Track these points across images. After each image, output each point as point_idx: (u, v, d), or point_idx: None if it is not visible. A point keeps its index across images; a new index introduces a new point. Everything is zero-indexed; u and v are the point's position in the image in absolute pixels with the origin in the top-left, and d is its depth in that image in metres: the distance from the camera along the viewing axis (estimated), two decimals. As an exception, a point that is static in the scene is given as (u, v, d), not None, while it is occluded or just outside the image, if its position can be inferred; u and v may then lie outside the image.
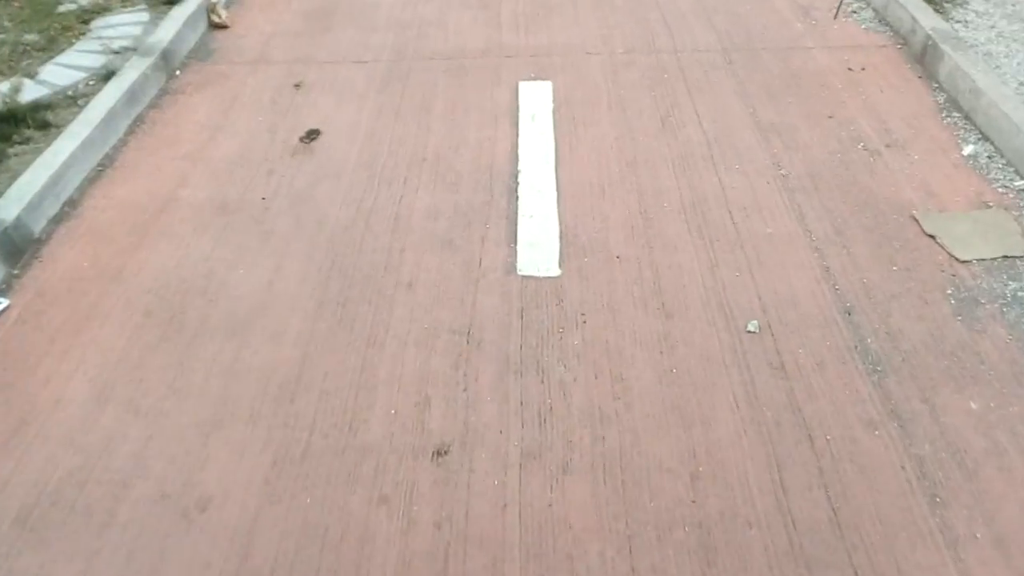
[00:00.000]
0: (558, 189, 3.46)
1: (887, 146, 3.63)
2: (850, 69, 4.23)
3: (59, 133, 3.74)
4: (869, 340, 2.69)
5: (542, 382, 2.59)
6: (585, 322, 2.80)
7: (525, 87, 4.23)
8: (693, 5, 5.02)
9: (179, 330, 2.86)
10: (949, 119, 3.81)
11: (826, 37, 4.57)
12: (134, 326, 2.88)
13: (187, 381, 2.66)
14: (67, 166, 3.56)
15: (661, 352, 2.68)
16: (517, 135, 3.84)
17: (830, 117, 3.86)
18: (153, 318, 2.91)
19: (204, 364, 2.72)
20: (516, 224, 3.27)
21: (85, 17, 4.80)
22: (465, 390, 2.58)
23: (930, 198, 3.31)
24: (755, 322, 2.75)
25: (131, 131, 4.00)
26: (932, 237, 3.10)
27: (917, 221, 3.18)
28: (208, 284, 3.05)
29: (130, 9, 4.92)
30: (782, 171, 3.51)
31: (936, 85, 4.06)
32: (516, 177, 3.54)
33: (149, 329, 2.87)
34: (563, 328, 2.78)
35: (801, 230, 3.18)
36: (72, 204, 3.51)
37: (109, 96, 3.98)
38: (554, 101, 4.10)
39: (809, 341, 2.70)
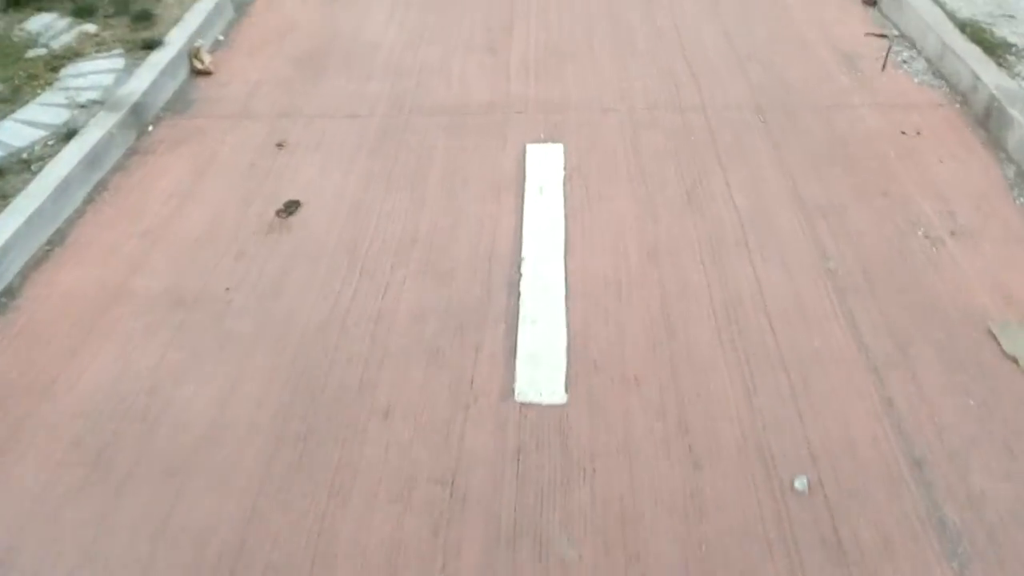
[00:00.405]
0: (567, 284, 2.97)
1: (952, 234, 3.11)
2: (903, 133, 3.72)
3: (4, 206, 3.31)
4: (946, 507, 2.18)
5: (540, 559, 2.10)
6: (595, 472, 2.31)
7: (533, 150, 3.75)
8: (724, 51, 4.52)
9: (108, 470, 2.39)
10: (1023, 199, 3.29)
11: (874, 92, 4.05)
12: (56, 463, 2.42)
13: (107, 544, 2.19)
14: (8, 248, 3.12)
15: (687, 518, 2.18)
16: (522, 212, 3.36)
17: (884, 194, 3.35)
18: (80, 451, 2.45)
19: (131, 520, 2.25)
20: (516, 330, 2.78)
21: (55, 64, 4.39)
22: (443, 569, 2.09)
23: (1008, 305, 2.79)
24: (803, 479, 2.25)
25: (90, 200, 3.56)
26: (1014, 361, 2.57)
27: (995, 337, 2.66)
28: (150, 405, 2.59)
29: (105, 54, 4.49)
30: (830, 264, 3.00)
31: (1004, 155, 3.54)
32: (519, 267, 3.06)
33: (73, 468, 2.40)
34: (568, 480, 2.29)
35: (856, 345, 2.67)
36: (10, 293, 3.07)
37: (66, 161, 3.55)
38: (565, 168, 3.61)
39: (871, 507, 2.18)
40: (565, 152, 3.73)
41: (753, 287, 2.92)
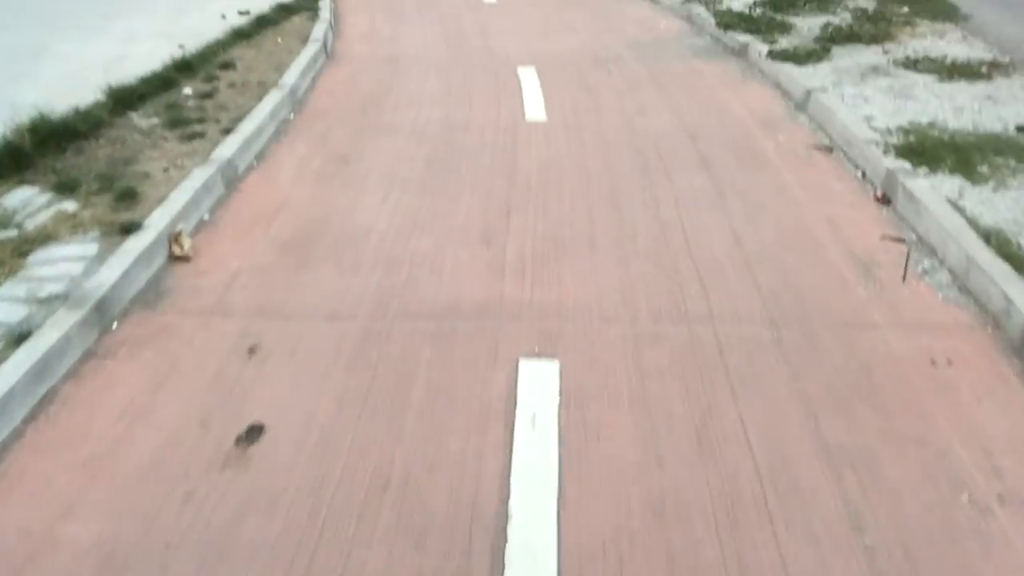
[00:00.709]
0: (559, 553, 2.56)
1: (1000, 500, 2.72)
2: (933, 362, 3.39)
3: (-70, 429, 2.95)
4: None
5: None
6: None
7: (527, 368, 3.42)
8: (731, 250, 4.28)
9: None
10: (1077, 453, 2.91)
11: (896, 309, 3.76)
12: None
13: None
14: (-77, 485, 2.74)
15: None
16: (511, 449, 2.98)
17: (918, 442, 2.98)
18: None
19: None
20: (498, 621, 2.35)
21: (24, 248, 4.14)
22: None
23: (1079, 606, 2.36)
24: None
25: (33, 416, 3.20)
26: None
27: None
28: None
29: (79, 238, 4.26)
30: (866, 539, 2.59)
31: (1048, 394, 3.20)
32: (505, 528, 2.65)
33: None
34: None
35: (902, 659, 2.23)
36: (-83, 543, 2.66)
37: (9, 373, 3.21)
38: (561, 393, 3.27)
39: None
40: (561, 371, 3.40)
41: (776, 567, 2.50)
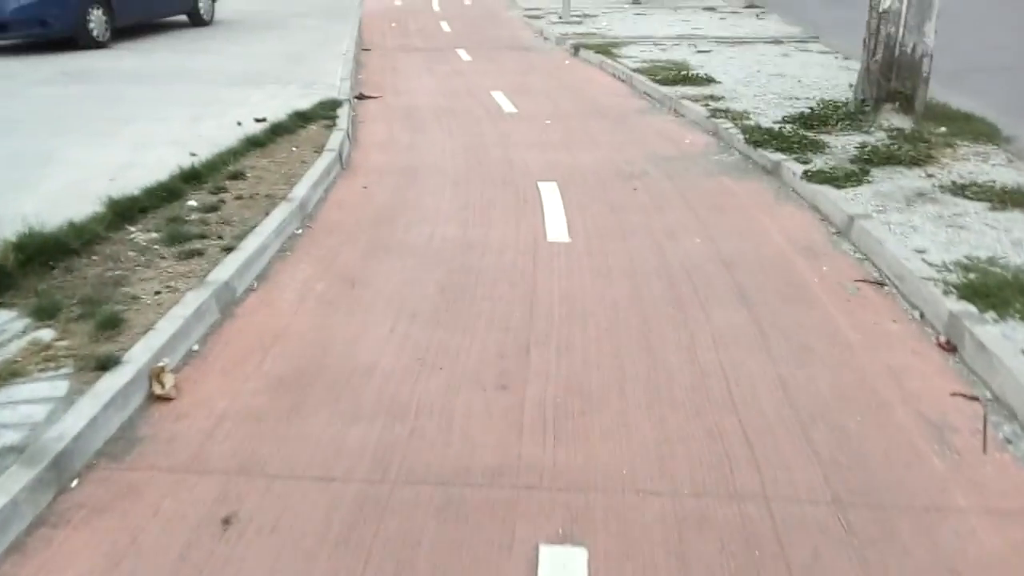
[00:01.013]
0: None
1: None
2: (1038, 566, 2.82)
3: None
4: None
5: None
6: None
7: (548, 556, 2.88)
8: (781, 405, 3.77)
9: None
10: None
11: (981, 489, 3.21)
12: None
13: None
14: None
15: None
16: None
17: None
18: None
19: None
20: None
21: (-14, 385, 3.71)
22: None
23: None
24: None
25: (-44, 607, 2.68)
26: None
27: None
28: None
29: (49, 374, 3.82)
30: None
31: None
32: None
33: None
34: None
35: None
36: None
37: (-65, 554, 2.72)
38: (591, 596, 2.72)
39: None
40: (589, 563, 2.85)
41: None
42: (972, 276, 4.68)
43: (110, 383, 3.72)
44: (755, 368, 4.08)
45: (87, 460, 3.40)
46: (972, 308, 4.31)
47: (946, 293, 4.50)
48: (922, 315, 4.60)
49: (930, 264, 4.90)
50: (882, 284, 5.02)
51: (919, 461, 3.38)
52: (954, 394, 3.84)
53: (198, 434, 3.60)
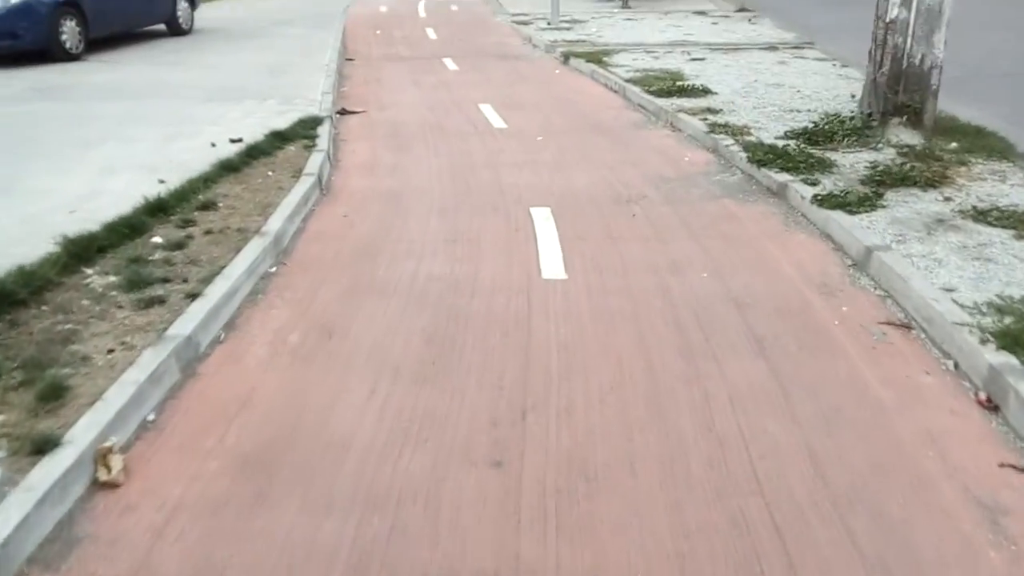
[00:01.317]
0: None
1: None
2: None
3: None
4: None
5: None
6: None
7: None
8: (812, 487, 3.33)
9: None
10: None
11: (1052, 594, 2.78)
12: None
13: None
14: None
15: None
16: None
17: None
18: None
19: None
20: None
21: (-97, 476, 3.22)
22: None
23: None
24: None
25: None
26: None
27: None
28: None
29: (-21, 459, 3.34)
30: None
31: None
32: None
33: None
34: None
35: None
36: None
37: None
38: None
39: None
40: None
41: None
42: (1009, 321, 4.26)
43: (47, 471, 3.25)
44: (779, 435, 3.65)
45: (15, 570, 2.92)
46: (1015, 361, 3.89)
47: (983, 342, 4.08)
48: (956, 365, 4.17)
49: (961, 306, 4.47)
50: (909, 327, 4.59)
51: (974, 556, 2.95)
52: (1002, 465, 3.42)
53: (146, 532, 3.13)
